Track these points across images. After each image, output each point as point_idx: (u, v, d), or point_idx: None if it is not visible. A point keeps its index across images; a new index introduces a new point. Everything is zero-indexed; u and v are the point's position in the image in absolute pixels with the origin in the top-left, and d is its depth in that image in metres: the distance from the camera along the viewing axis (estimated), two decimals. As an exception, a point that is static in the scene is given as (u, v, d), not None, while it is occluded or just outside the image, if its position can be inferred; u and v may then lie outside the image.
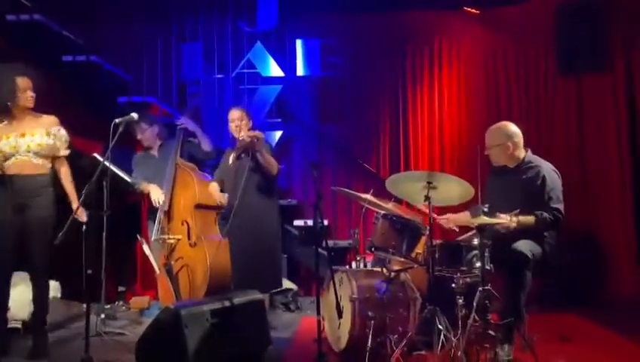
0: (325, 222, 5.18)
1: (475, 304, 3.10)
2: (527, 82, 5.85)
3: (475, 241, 3.27)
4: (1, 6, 5.27)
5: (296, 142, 6.43)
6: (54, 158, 3.69)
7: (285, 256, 5.53)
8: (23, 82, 3.55)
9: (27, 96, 3.58)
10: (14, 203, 3.52)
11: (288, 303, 5.07)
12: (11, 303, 3.89)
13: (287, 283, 5.18)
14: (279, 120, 6.42)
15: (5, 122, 3.59)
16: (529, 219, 3.36)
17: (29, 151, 3.55)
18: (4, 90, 3.53)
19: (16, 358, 3.53)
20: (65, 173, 3.74)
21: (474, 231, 3.32)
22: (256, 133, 3.96)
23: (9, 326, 3.91)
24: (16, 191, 3.53)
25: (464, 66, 6.08)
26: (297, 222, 5.77)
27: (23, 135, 3.56)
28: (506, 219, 3.26)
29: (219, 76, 6.41)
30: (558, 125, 5.67)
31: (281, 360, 3.55)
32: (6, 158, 3.53)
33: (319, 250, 3.43)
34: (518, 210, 3.31)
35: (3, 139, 3.53)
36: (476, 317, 3.12)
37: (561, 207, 3.46)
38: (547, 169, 3.56)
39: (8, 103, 3.54)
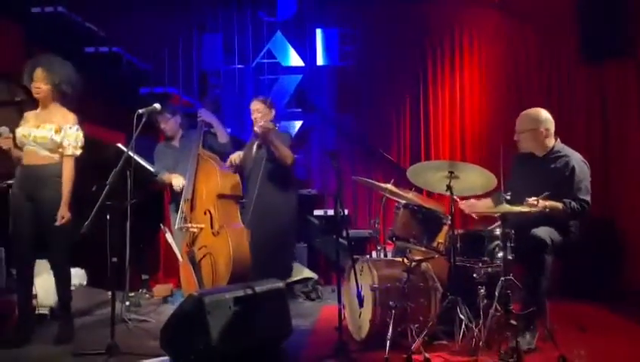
0: (345, 212, 5.19)
1: (496, 294, 3.10)
2: (549, 70, 5.76)
3: (498, 231, 3.26)
4: (25, -2, 5.37)
5: (316, 132, 6.44)
6: (61, 155, 3.69)
7: (305, 245, 5.57)
8: (34, 73, 3.62)
9: (34, 87, 3.64)
10: (25, 191, 3.61)
11: (309, 292, 5.10)
12: (39, 290, 3.99)
13: (307, 273, 5.21)
14: (299, 110, 6.43)
15: (37, 111, 3.70)
16: (557, 205, 3.32)
17: (35, 143, 3.62)
18: (26, 77, 3.65)
19: (43, 344, 3.61)
20: (66, 173, 3.65)
21: (499, 223, 3.30)
22: (266, 124, 3.92)
23: (37, 312, 4.01)
24: (26, 180, 3.62)
25: (485, 55, 6.01)
26: (317, 212, 5.78)
27: (37, 126, 3.64)
28: (533, 202, 3.19)
29: (239, 66, 6.44)
30: (580, 113, 5.57)
31: (303, 348, 3.57)
32: (20, 147, 3.63)
33: (339, 239, 3.44)
34: (548, 193, 3.23)
35: (22, 126, 3.63)
36: (498, 307, 3.12)
37: (588, 198, 3.41)
38: (577, 159, 3.50)
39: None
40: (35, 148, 3.62)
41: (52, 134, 3.63)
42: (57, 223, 3.54)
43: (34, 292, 3.84)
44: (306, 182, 6.15)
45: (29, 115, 3.74)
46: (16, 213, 3.62)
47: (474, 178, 3.34)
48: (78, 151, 3.73)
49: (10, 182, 3.92)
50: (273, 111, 4.03)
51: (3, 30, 5.12)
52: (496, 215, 3.23)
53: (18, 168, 3.67)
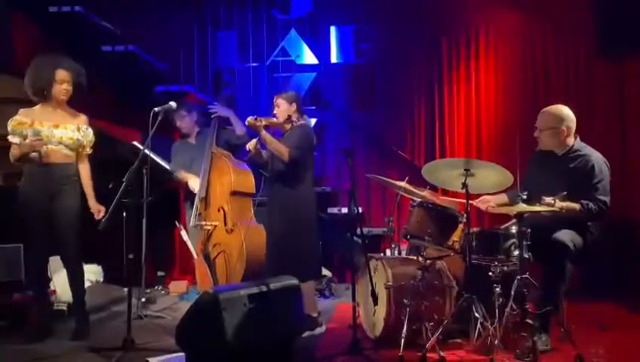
0: (359, 210, 5.17)
1: (512, 292, 3.08)
2: (566, 67, 5.69)
3: (513, 229, 3.24)
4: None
5: (330, 130, 6.43)
6: (77, 155, 3.77)
7: (319, 242, 5.55)
8: (60, 74, 3.64)
9: (62, 88, 3.66)
10: (45, 190, 3.64)
11: (322, 289, 5.11)
12: (57, 287, 4.05)
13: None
14: (313, 107, 6.43)
15: (39, 107, 3.70)
16: (574, 206, 3.28)
17: (60, 143, 3.65)
18: (43, 77, 3.63)
19: (61, 339, 3.66)
20: (85, 170, 3.79)
21: (514, 221, 3.27)
22: (253, 119, 3.74)
23: (55, 308, 4.07)
24: (47, 179, 3.64)
25: (501, 52, 5.95)
26: (331, 210, 5.78)
27: (57, 126, 3.66)
28: (550, 202, 3.15)
29: (253, 64, 6.45)
30: (598, 112, 5.50)
31: (317, 346, 3.58)
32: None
33: (354, 237, 3.44)
34: (565, 193, 3.20)
35: (36, 125, 3.62)
36: (514, 306, 3.10)
37: (607, 199, 3.36)
38: (597, 159, 3.44)
39: (44, 91, 3.65)
40: (59, 148, 3.66)
41: (76, 134, 3.70)
42: (97, 217, 3.67)
43: (52, 289, 3.90)
44: (319, 180, 6.15)
45: (30, 112, 3.67)
46: (31, 211, 3.64)
47: (490, 175, 3.31)
48: (91, 150, 3.83)
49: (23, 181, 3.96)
50: (294, 106, 3.92)
51: (21, 29, 5.19)
52: (511, 213, 3.20)
53: (32, 167, 3.64)
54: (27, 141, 3.57)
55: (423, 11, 6.09)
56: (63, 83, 3.66)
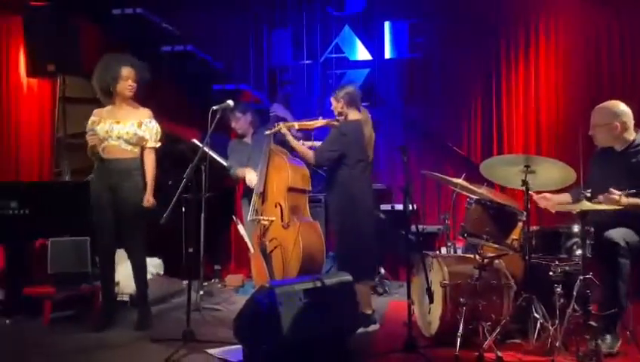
0: (414, 207, 5.12)
1: (574, 293, 2.99)
2: (633, 59, 5.44)
3: (576, 228, 3.14)
4: (107, 1, 5.65)
5: (383, 126, 6.38)
6: (143, 148, 3.88)
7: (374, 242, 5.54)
8: (125, 71, 3.79)
9: (127, 85, 3.80)
10: (107, 184, 3.79)
11: (376, 286, 5.09)
12: (120, 278, 4.21)
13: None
14: (366, 104, 6.40)
15: (109, 108, 3.86)
16: (639, 202, 3.13)
17: (119, 138, 3.79)
18: (109, 74, 3.79)
19: (124, 329, 3.82)
20: (150, 163, 3.88)
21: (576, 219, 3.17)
22: (278, 126, 4.00)
23: (118, 299, 4.24)
24: (108, 173, 3.78)
25: (563, 43, 5.73)
26: (384, 207, 5.75)
27: (117, 122, 3.80)
28: (615, 197, 3.03)
29: (307, 62, 6.49)
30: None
31: (371, 342, 3.58)
32: (100, 142, 3.78)
33: (408, 235, 3.42)
34: (634, 191, 3.07)
35: (100, 123, 3.79)
36: (576, 307, 3.01)
37: None
38: None
39: (111, 88, 3.80)
40: (118, 143, 3.80)
41: (136, 129, 3.81)
42: (146, 205, 3.77)
43: (116, 280, 4.07)
44: (373, 177, 6.12)
45: (100, 111, 3.86)
46: (98, 204, 3.81)
47: (552, 172, 3.22)
48: (158, 144, 3.93)
49: (92, 176, 4.15)
50: (341, 102, 3.97)
51: (86, 32, 5.42)
52: (574, 212, 3.10)
53: (98, 163, 3.82)
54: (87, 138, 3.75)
55: (480, 2, 5.95)
56: (127, 79, 3.80)
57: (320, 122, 4.14)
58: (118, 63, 3.79)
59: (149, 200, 3.80)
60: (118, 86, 3.79)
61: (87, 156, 3.85)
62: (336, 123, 4.00)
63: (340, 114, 3.97)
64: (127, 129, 3.80)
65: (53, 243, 4.15)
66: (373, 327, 3.81)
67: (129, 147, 3.82)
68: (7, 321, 4.03)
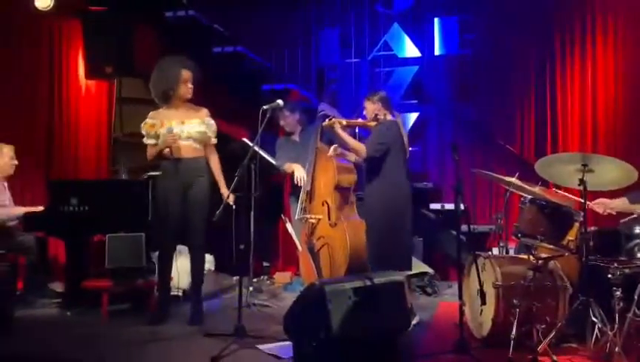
0: (465, 206, 5.04)
1: (636, 297, 2.87)
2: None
3: (637, 229, 3.01)
4: (160, 4, 5.81)
5: (432, 124, 6.31)
6: (205, 146, 3.98)
7: (421, 239, 5.50)
8: (185, 74, 3.89)
9: (187, 87, 3.90)
10: (179, 183, 3.88)
11: (425, 286, 5.04)
12: (174, 273, 4.32)
13: (423, 267, 5.15)
14: (415, 101, 6.35)
15: (164, 108, 3.94)
16: None
17: (189, 138, 3.88)
18: (170, 78, 3.88)
19: (178, 323, 3.91)
20: (215, 161, 4.01)
21: (633, 216, 3.05)
22: (330, 121, 3.99)
23: (172, 293, 4.35)
24: (180, 172, 3.88)
25: (621, 37, 5.50)
26: (434, 206, 5.69)
27: (183, 122, 3.89)
28: None
29: (355, 60, 6.48)
30: None
31: (421, 342, 3.55)
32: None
33: (459, 235, 3.37)
34: None
35: (166, 124, 3.86)
36: (637, 311, 2.89)
37: None
38: None
39: (171, 91, 3.89)
40: (188, 142, 3.89)
41: (203, 127, 3.91)
42: (231, 202, 3.85)
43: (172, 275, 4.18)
44: (421, 175, 6.06)
45: (157, 114, 3.92)
46: (166, 202, 3.90)
47: (611, 171, 3.11)
48: (216, 140, 4.02)
49: (152, 173, 4.26)
50: (378, 104, 4.01)
51: (141, 34, 5.59)
52: (636, 212, 2.98)
53: (166, 162, 3.90)
54: (161, 139, 3.83)
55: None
56: (187, 82, 3.90)
57: (367, 122, 4.15)
58: (177, 67, 3.88)
59: (229, 195, 3.81)
60: (179, 89, 3.88)
61: (142, 155, 3.97)
62: (375, 123, 4.04)
63: (376, 115, 4.00)
64: (196, 128, 3.89)
65: (111, 239, 4.29)
66: (414, 320, 3.76)
67: (198, 145, 3.92)
68: (68, 313, 4.22)
